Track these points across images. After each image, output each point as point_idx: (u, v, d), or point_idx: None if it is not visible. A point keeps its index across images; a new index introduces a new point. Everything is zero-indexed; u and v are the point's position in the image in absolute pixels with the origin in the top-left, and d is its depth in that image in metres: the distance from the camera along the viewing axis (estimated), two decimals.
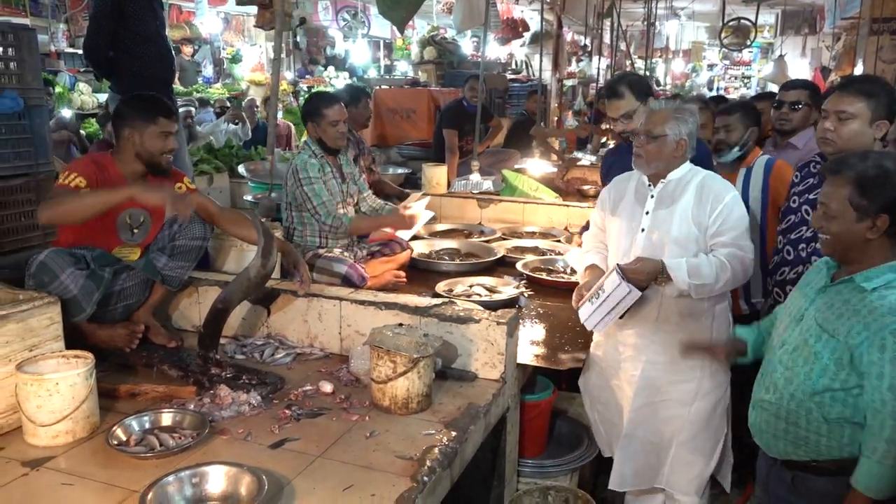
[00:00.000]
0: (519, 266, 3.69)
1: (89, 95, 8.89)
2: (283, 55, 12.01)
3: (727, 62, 21.97)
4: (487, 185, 4.41)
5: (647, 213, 2.51)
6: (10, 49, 2.96)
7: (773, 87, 10.48)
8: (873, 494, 1.76)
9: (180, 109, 6.71)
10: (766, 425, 1.97)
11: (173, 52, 4.31)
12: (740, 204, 2.46)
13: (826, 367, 1.81)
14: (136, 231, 2.67)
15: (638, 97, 2.95)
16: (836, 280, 1.89)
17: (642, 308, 2.48)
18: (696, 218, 2.43)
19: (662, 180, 2.51)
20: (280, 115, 9.33)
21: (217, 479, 1.76)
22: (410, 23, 12.51)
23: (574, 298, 2.58)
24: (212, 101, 9.62)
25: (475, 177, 4.43)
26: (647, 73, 11.03)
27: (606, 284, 2.40)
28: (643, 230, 2.51)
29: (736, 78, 22.32)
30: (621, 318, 2.45)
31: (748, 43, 11.21)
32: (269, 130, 2.54)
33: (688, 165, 2.52)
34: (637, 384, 2.57)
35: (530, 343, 2.82)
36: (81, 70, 9.72)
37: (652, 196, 2.52)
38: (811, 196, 2.51)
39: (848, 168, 1.82)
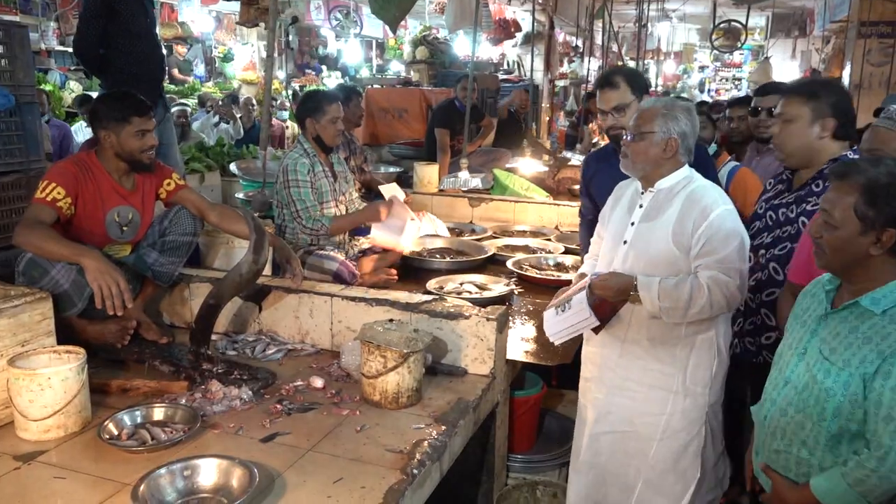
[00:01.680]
0: (509, 264, 3.72)
1: (80, 93, 8.85)
2: (276, 54, 12.05)
3: (718, 64, 22.13)
4: (476, 182, 4.44)
5: (633, 224, 2.28)
6: (1, 46, 2.96)
7: None
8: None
9: (174, 108, 6.73)
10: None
11: (163, 50, 4.30)
12: (731, 221, 2.16)
13: (840, 407, 1.59)
14: (125, 229, 2.68)
15: (633, 91, 2.71)
16: (838, 306, 1.68)
17: (611, 325, 2.30)
18: (676, 236, 2.17)
19: (651, 189, 2.27)
20: (286, 115, 9.34)
21: (208, 471, 1.77)
22: (403, 22, 12.52)
23: (552, 302, 2.41)
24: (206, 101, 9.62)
25: (464, 174, 4.46)
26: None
27: (574, 300, 2.23)
28: (625, 242, 2.29)
29: (727, 80, 22.47)
30: (595, 331, 2.32)
31: (738, 45, 11.32)
32: (262, 126, 2.53)
33: (683, 172, 2.25)
34: (600, 409, 2.38)
35: (520, 339, 2.85)
36: (72, 68, 9.70)
37: (640, 206, 2.29)
38: (776, 202, 2.42)
39: (857, 173, 1.61)
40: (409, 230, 3.62)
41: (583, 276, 2.49)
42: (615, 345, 2.33)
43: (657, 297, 2.12)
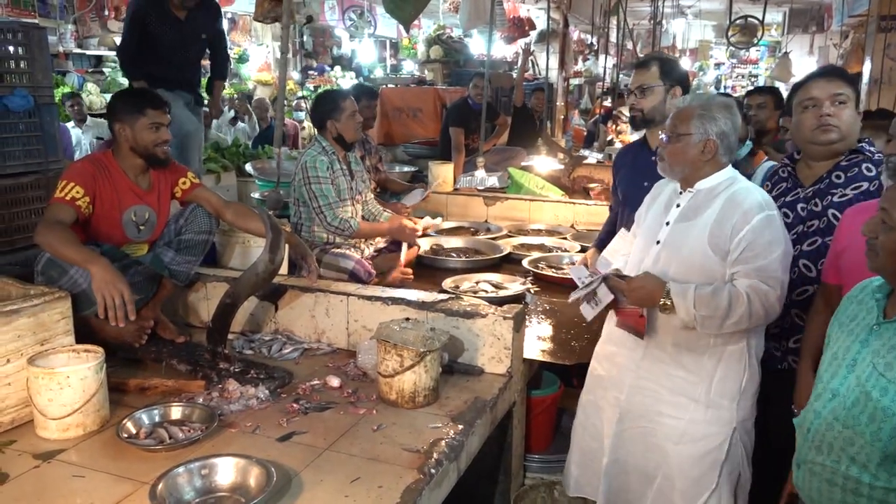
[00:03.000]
0: (525, 262, 3.70)
1: (97, 96, 8.94)
2: (290, 54, 12.09)
3: (734, 61, 21.91)
4: (492, 181, 4.43)
5: (668, 223, 2.19)
6: (20, 48, 2.99)
7: (780, 85, 10.45)
8: None
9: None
10: (818, 494, 1.65)
11: (199, 63, 4.53)
12: (775, 227, 2.04)
13: None
14: (141, 228, 2.69)
15: (663, 77, 2.72)
16: (891, 316, 1.58)
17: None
18: (713, 239, 2.06)
19: (690, 189, 2.18)
20: (302, 115, 9.38)
21: (226, 470, 1.77)
22: (417, 22, 12.52)
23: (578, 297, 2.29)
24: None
25: (480, 173, 4.46)
26: None
27: (600, 293, 2.18)
28: (658, 243, 2.20)
29: (743, 76, 22.24)
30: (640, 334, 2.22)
31: (755, 41, 11.17)
32: (276, 124, 2.54)
33: (725, 173, 2.15)
34: (621, 407, 2.29)
35: (536, 339, 2.83)
36: (90, 70, 9.79)
37: (678, 206, 2.19)
38: (789, 198, 2.35)
39: None
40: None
41: (594, 252, 2.45)
42: (637, 346, 2.24)
43: (693, 306, 2.00)
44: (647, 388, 2.24)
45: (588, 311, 2.26)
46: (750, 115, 4.04)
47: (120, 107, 2.63)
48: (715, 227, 2.07)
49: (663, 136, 2.19)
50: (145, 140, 2.60)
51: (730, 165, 2.18)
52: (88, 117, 7.27)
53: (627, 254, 2.41)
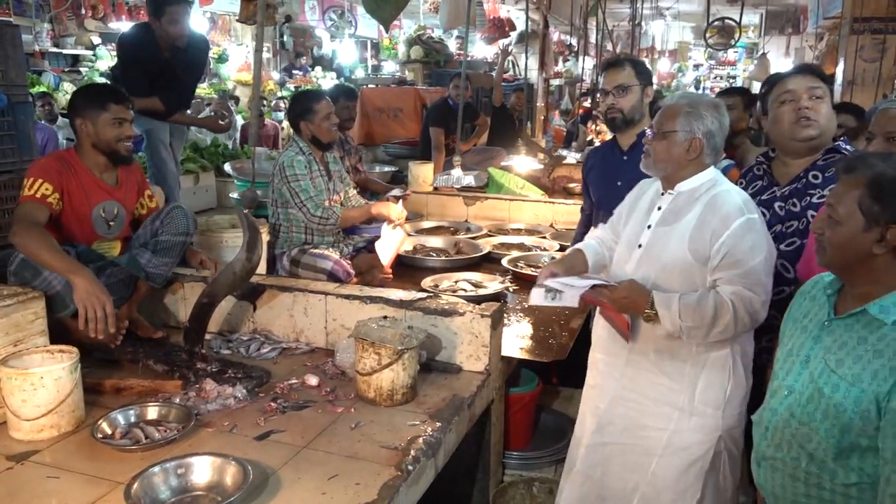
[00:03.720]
0: (504, 261, 3.72)
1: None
2: (271, 55, 12.03)
3: (713, 62, 22.15)
4: (468, 179, 4.45)
5: (650, 227, 2.14)
6: None
7: (757, 86, 10.56)
8: None
9: None
10: (781, 489, 1.63)
11: (190, 92, 4.55)
12: (757, 231, 1.99)
13: (851, 423, 1.48)
14: (111, 224, 2.66)
15: (638, 77, 2.74)
16: (842, 313, 1.57)
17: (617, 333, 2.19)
18: (693, 244, 2.01)
19: (671, 191, 2.13)
20: (282, 115, 9.33)
21: (202, 469, 1.77)
22: (397, 22, 12.52)
23: (541, 273, 2.22)
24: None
25: (456, 172, 4.47)
26: None
27: (567, 295, 2.08)
28: (640, 246, 2.14)
29: (721, 78, 22.48)
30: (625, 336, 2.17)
31: (732, 43, 11.31)
32: (251, 122, 2.53)
33: (707, 174, 2.09)
34: (601, 418, 2.23)
35: (515, 336, 2.85)
36: (66, 70, 9.68)
37: (659, 208, 2.14)
38: (764, 197, 2.32)
39: (865, 167, 1.51)
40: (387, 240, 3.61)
41: (577, 253, 2.36)
42: (621, 353, 2.19)
43: (678, 316, 1.95)
44: (631, 399, 2.18)
45: (538, 298, 2.15)
46: None
47: (81, 102, 2.57)
48: (695, 233, 2.02)
49: (649, 132, 2.15)
50: (108, 136, 2.55)
51: (712, 167, 2.13)
52: (59, 117, 7.17)
53: (600, 239, 2.38)
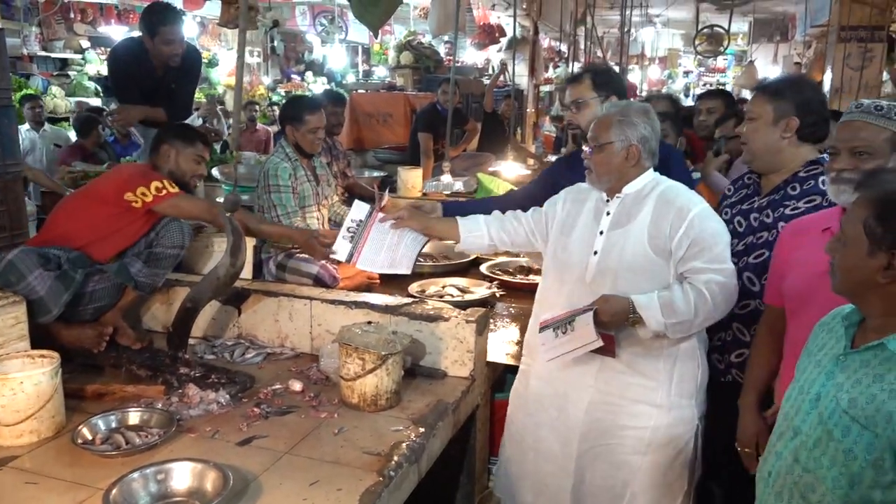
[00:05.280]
0: (483, 268, 3.70)
1: (62, 99, 8.80)
2: (261, 60, 12.01)
3: (702, 69, 22.29)
4: (458, 185, 4.45)
5: (602, 232, 2.16)
6: None
7: (746, 93, 10.64)
8: None
9: None
10: None
11: (188, 103, 4.57)
12: (712, 217, 2.08)
13: (863, 472, 1.31)
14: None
15: (596, 89, 2.63)
16: (859, 346, 1.41)
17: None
18: (652, 241, 2.06)
19: (618, 195, 2.17)
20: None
21: (182, 475, 1.76)
22: (388, 28, 12.53)
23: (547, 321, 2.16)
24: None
25: (446, 178, 4.47)
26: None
27: (578, 320, 2.05)
28: (595, 253, 2.15)
29: (711, 85, 22.62)
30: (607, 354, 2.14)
31: (721, 50, 11.41)
32: (233, 125, 2.54)
33: (649, 175, 2.17)
34: (581, 428, 2.20)
35: (501, 342, 2.84)
36: (54, 73, 9.62)
37: (608, 213, 2.17)
38: (745, 206, 2.30)
39: (876, 184, 1.39)
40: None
41: (458, 222, 2.42)
42: (593, 359, 2.15)
43: (661, 315, 1.98)
44: (608, 403, 2.18)
45: (548, 339, 2.13)
46: (700, 119, 4.08)
47: (176, 133, 2.89)
48: (652, 229, 2.07)
49: (586, 147, 2.19)
50: (187, 168, 2.83)
51: (651, 168, 2.19)
52: (46, 123, 7.11)
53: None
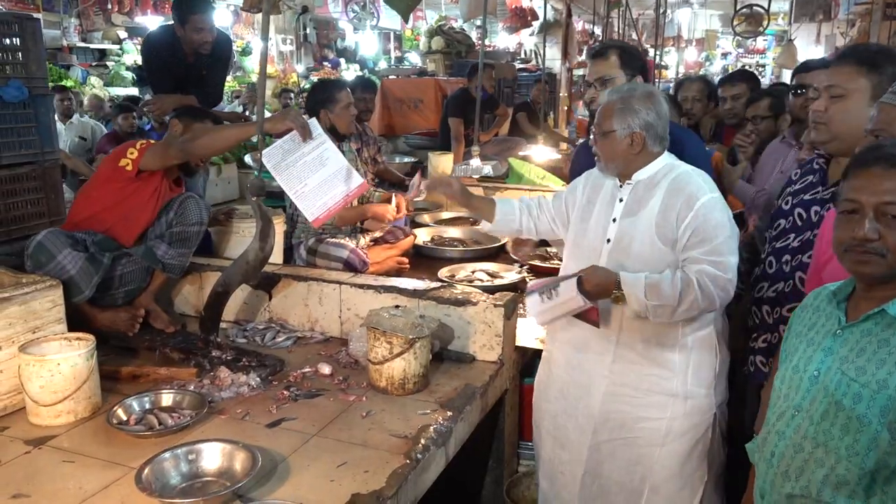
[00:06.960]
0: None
1: (101, 89, 8.97)
2: (294, 48, 12.07)
3: (741, 50, 21.78)
4: (487, 169, 4.42)
5: (615, 220, 2.14)
6: (14, 39, 2.99)
7: (787, 73, 10.37)
8: None
9: None
10: None
11: (219, 89, 4.59)
12: (719, 209, 2.02)
13: (878, 436, 1.32)
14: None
15: (623, 67, 2.45)
16: (856, 318, 1.41)
17: (601, 329, 2.14)
18: (660, 230, 2.04)
19: (629, 182, 2.14)
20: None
21: (212, 455, 1.78)
22: (420, 13, 12.49)
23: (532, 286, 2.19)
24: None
25: (475, 162, 4.44)
26: (660, 62, 10.93)
27: (562, 287, 2.06)
28: (609, 241, 2.14)
29: (750, 66, 22.10)
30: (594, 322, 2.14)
31: (761, 30, 11.10)
32: (258, 111, 2.55)
33: (662, 161, 2.11)
34: (597, 419, 2.19)
35: (531, 327, 2.82)
36: (93, 64, 9.81)
37: (621, 200, 2.15)
38: (807, 197, 2.10)
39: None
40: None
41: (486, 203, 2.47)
42: (607, 349, 2.16)
43: (644, 295, 1.96)
44: (623, 394, 2.16)
45: (534, 306, 2.15)
46: (727, 108, 3.86)
47: (185, 110, 3.06)
48: (660, 218, 2.05)
49: (592, 135, 2.16)
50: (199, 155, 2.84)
51: (666, 152, 2.13)
52: (76, 115, 7.21)
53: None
